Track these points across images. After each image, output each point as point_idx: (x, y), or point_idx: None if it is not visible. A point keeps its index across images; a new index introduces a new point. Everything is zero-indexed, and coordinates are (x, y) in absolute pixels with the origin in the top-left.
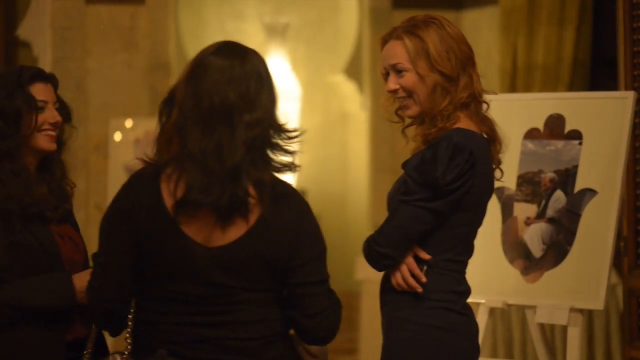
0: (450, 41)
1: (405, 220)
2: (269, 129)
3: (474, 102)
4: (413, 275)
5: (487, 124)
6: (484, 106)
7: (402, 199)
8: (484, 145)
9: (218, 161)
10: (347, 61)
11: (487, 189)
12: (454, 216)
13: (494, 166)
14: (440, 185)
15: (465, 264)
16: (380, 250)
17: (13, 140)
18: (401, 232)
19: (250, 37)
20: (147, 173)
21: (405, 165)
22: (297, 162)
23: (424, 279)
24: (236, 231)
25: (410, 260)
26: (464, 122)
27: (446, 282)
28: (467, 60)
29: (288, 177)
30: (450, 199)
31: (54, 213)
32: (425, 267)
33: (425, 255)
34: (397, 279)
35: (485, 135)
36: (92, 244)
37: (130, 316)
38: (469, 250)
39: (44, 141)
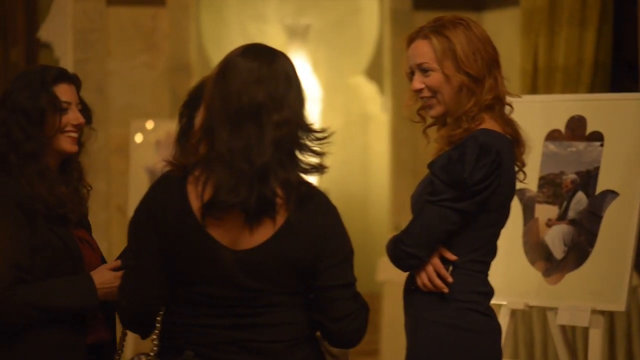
0: (477, 42)
1: (432, 220)
2: (297, 130)
3: (498, 104)
4: (439, 276)
5: (512, 125)
6: (508, 109)
7: (429, 199)
8: (509, 147)
9: (247, 161)
10: (368, 63)
11: (511, 190)
12: (480, 217)
13: (517, 168)
14: (467, 185)
15: (489, 265)
16: (407, 250)
17: (37, 141)
18: (428, 232)
19: (271, 38)
20: (173, 175)
21: (431, 165)
22: (325, 163)
23: (450, 279)
24: (263, 234)
25: (436, 260)
26: (489, 123)
27: (471, 282)
28: (492, 61)
29: (310, 179)
30: (477, 199)
31: (73, 215)
32: (450, 268)
33: (451, 256)
34: (423, 279)
35: (509, 137)
36: (113, 245)
37: (158, 318)
38: (493, 251)
39: (67, 143)
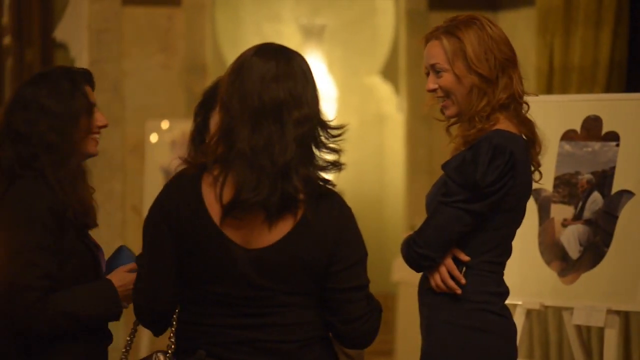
0: (489, 42)
1: (445, 221)
2: (316, 127)
3: (513, 104)
4: (452, 277)
5: (527, 125)
6: (525, 107)
7: (442, 200)
8: (524, 147)
9: (269, 159)
10: (383, 63)
11: (527, 191)
12: (494, 218)
13: (532, 168)
14: (480, 187)
15: (503, 265)
16: (420, 251)
17: (71, 144)
18: (440, 233)
19: (287, 38)
20: (188, 174)
21: (445, 166)
22: (341, 160)
23: (463, 281)
24: (277, 233)
25: (449, 261)
26: (504, 124)
27: (485, 283)
28: (507, 61)
29: (328, 177)
30: (490, 201)
31: (93, 221)
32: (464, 269)
33: (464, 257)
34: (436, 280)
35: (524, 137)
36: (128, 245)
37: (174, 316)
38: (507, 252)
39: (92, 145)
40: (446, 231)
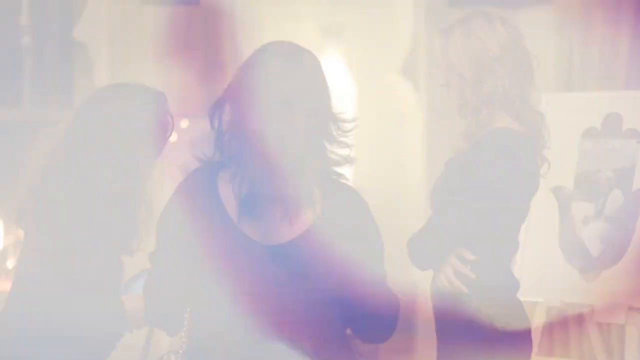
0: (473, 42)
1: (449, 221)
2: (326, 120)
3: (501, 101)
4: (458, 277)
5: (525, 120)
6: (516, 102)
7: (446, 199)
8: (528, 144)
9: (280, 152)
10: (403, 61)
11: (532, 187)
12: (498, 215)
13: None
14: (482, 187)
15: (510, 260)
16: (424, 250)
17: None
18: (444, 232)
19: (306, 38)
20: (204, 170)
21: (448, 165)
22: (353, 155)
23: (470, 277)
24: (297, 228)
25: (454, 260)
26: (504, 121)
27: (492, 279)
28: (492, 59)
29: (341, 171)
30: (493, 201)
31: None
32: (469, 267)
33: (469, 255)
34: (443, 280)
35: (527, 133)
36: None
37: (186, 315)
38: (514, 246)
39: None
40: (450, 231)
